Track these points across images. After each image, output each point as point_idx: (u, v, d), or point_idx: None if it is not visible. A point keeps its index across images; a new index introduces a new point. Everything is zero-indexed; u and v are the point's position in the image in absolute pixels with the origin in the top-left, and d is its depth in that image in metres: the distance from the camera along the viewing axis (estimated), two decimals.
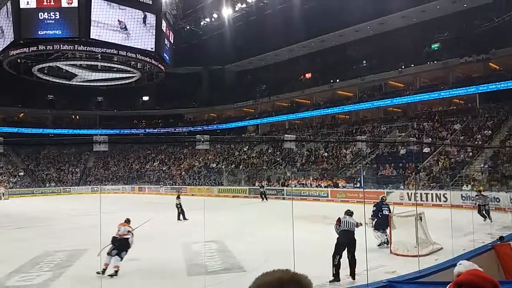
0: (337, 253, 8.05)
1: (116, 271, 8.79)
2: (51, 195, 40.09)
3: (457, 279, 1.74)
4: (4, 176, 42.37)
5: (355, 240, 8.30)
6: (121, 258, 8.97)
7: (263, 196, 28.67)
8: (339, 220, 8.66)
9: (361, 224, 8.58)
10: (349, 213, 8.88)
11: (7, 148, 41.67)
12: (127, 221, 9.86)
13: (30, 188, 41.96)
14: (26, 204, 30.16)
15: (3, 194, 35.39)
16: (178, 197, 18.94)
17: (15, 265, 9.82)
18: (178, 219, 18.27)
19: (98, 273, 8.33)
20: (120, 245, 9.04)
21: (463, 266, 1.81)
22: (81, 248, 11.54)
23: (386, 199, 13.15)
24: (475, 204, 15.71)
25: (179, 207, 18.51)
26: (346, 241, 8.25)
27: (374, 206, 11.88)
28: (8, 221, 17.35)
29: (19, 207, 26.47)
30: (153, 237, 14.28)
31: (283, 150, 37.99)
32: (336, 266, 7.97)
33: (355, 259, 8.12)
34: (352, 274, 8.11)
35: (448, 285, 1.95)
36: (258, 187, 30.43)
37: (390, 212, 11.66)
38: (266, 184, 31.51)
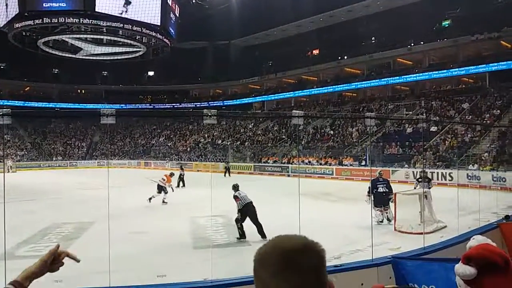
0: (242, 221, 9.65)
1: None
2: (58, 169, 40.50)
3: (467, 252, 1.72)
4: (12, 149, 42.77)
5: (255, 208, 9.72)
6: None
7: (226, 171, 30.19)
8: (237, 197, 9.85)
9: None
10: (237, 187, 10.11)
11: (14, 122, 41.95)
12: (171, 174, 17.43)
13: (37, 161, 42.40)
14: (34, 177, 30.51)
15: (11, 167, 35.77)
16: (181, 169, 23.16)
17: (24, 236, 9.98)
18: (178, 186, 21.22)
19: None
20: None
21: (476, 241, 1.78)
22: (89, 220, 11.70)
23: (382, 174, 12.92)
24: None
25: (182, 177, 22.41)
26: (250, 211, 9.64)
27: (370, 183, 11.59)
28: (16, 194, 17.57)
29: (27, 180, 26.78)
30: (160, 210, 14.48)
31: (288, 127, 37.88)
32: (241, 229, 9.64)
33: (260, 223, 9.58)
34: (262, 234, 9.42)
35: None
36: (224, 163, 32.42)
37: (387, 189, 11.49)
38: (229, 161, 33.50)
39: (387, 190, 11.50)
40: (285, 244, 0.98)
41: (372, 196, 11.16)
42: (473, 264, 1.60)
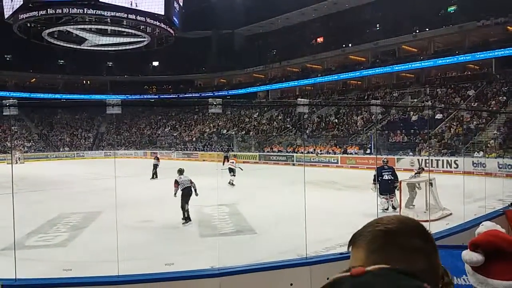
0: (185, 203, 10.23)
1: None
2: (65, 160, 40.81)
3: (474, 239, 1.71)
4: (19, 141, 43.10)
5: (192, 193, 10.41)
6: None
7: (225, 160, 29.53)
8: (176, 182, 10.50)
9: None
10: (182, 171, 10.76)
11: (21, 113, 42.19)
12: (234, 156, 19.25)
13: (45, 152, 42.74)
14: (41, 168, 30.75)
15: (19, 158, 36.06)
16: (156, 159, 22.16)
17: (33, 226, 10.08)
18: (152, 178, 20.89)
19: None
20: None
21: (485, 227, 1.78)
22: (96, 210, 11.82)
23: (388, 162, 12.84)
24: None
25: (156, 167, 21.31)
26: (187, 195, 10.31)
27: (375, 171, 11.52)
28: (24, 184, 17.76)
29: (35, 171, 26.99)
30: (166, 199, 14.56)
31: (293, 116, 37.79)
32: (187, 212, 10.24)
33: (188, 209, 10.36)
34: (186, 218, 10.26)
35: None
36: (224, 152, 32.26)
37: (393, 176, 11.45)
38: (227, 151, 33.21)
39: (392, 178, 11.49)
40: (411, 221, 0.97)
41: (378, 184, 11.17)
42: (481, 250, 1.61)
